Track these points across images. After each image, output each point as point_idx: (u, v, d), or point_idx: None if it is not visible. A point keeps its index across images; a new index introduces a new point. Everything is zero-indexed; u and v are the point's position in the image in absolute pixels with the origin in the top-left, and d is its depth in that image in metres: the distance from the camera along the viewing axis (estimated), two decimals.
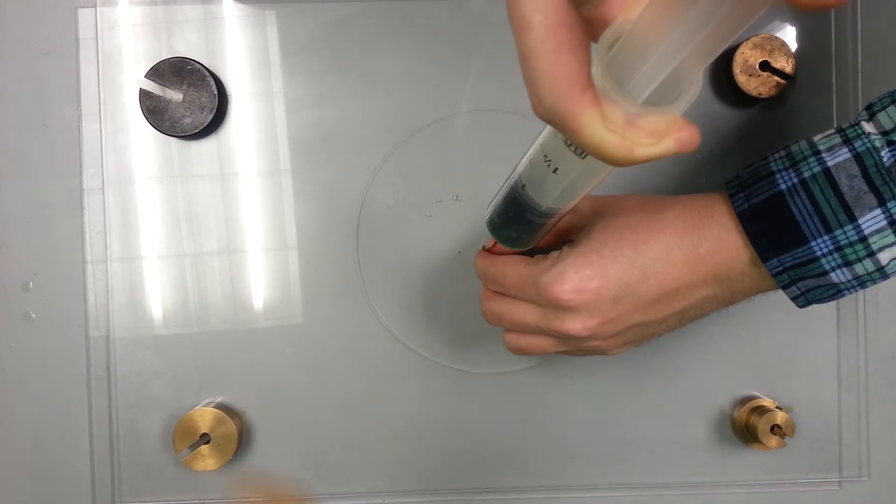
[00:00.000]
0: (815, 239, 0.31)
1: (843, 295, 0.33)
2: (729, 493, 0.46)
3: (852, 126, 0.32)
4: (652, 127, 0.21)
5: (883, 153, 0.30)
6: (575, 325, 0.34)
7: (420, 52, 0.45)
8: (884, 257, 0.31)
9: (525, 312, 0.36)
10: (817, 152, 0.31)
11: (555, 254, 0.36)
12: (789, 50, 0.43)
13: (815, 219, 0.31)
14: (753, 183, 0.33)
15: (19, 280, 0.45)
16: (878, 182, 0.30)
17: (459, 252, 0.46)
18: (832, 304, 0.46)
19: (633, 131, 0.21)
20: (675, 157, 0.45)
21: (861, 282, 0.32)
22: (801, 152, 0.32)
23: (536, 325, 0.36)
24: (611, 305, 0.34)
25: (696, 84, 0.21)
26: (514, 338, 0.38)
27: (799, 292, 0.33)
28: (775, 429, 0.43)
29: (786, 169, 0.32)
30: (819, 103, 0.45)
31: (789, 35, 0.45)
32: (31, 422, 0.46)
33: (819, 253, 0.31)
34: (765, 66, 0.43)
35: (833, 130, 0.32)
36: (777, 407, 0.44)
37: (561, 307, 0.34)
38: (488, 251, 0.39)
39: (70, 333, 0.45)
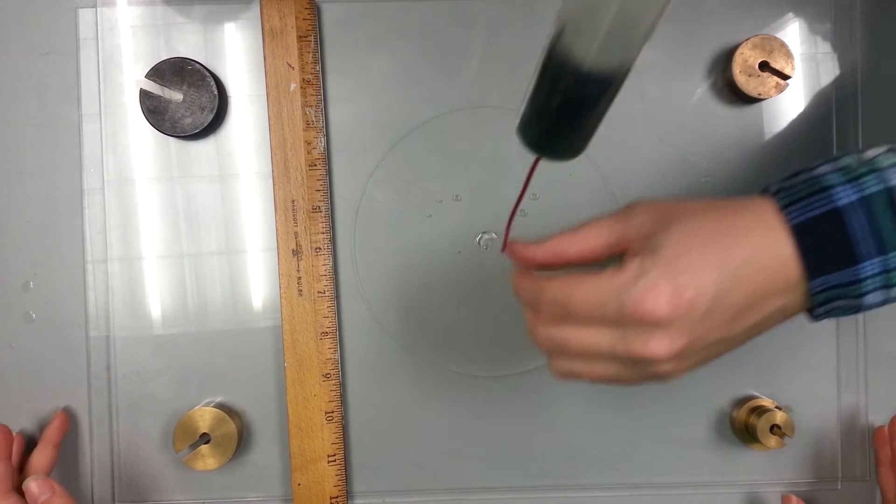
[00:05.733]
0: (866, 260, 0.30)
1: (859, 312, 0.32)
2: (729, 493, 0.46)
3: None
4: None
5: None
6: (663, 344, 0.30)
7: (419, 51, 0.45)
8: None
9: (597, 337, 0.31)
10: (877, 170, 0.30)
11: (625, 265, 0.31)
12: (789, 50, 0.43)
13: (872, 239, 0.30)
14: (808, 195, 0.31)
15: (19, 280, 0.45)
16: None
17: (459, 252, 0.46)
18: None
19: None
20: (674, 158, 0.45)
21: (885, 303, 0.31)
22: (858, 168, 0.31)
23: (611, 349, 0.31)
24: (701, 320, 0.30)
25: None
26: (566, 365, 0.33)
27: (823, 312, 0.32)
28: (775, 429, 0.43)
29: (842, 184, 0.30)
30: (819, 103, 0.45)
31: (789, 35, 0.45)
32: (32, 422, 0.46)
33: (865, 275, 0.30)
34: (764, 66, 0.43)
35: (886, 148, 0.31)
36: (777, 407, 0.44)
37: (650, 324, 0.30)
38: (525, 266, 0.33)
39: (70, 333, 0.45)
